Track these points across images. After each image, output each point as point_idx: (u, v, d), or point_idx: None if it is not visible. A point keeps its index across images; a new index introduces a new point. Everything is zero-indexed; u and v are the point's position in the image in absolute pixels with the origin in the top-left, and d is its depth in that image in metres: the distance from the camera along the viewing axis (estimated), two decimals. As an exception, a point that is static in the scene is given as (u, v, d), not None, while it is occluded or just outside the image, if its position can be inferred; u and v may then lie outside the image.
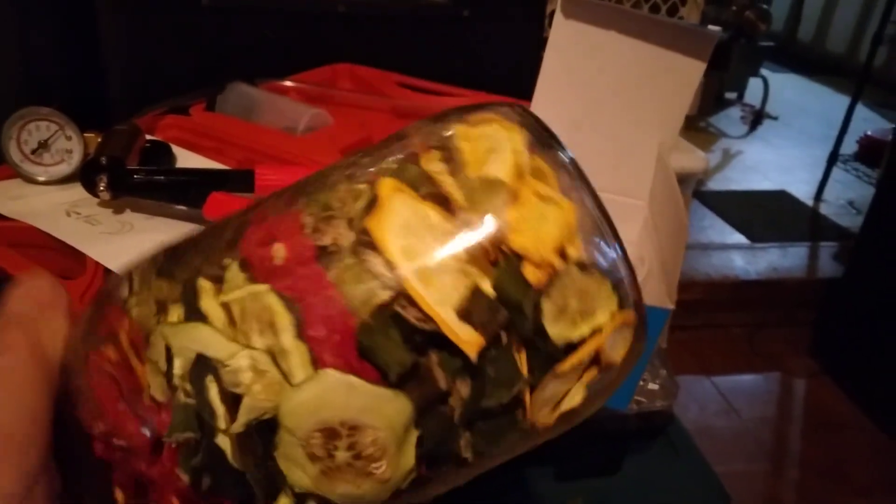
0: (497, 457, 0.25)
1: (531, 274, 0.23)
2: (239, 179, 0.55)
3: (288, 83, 0.79)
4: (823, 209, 2.67)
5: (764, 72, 3.44)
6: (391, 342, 0.22)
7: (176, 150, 0.64)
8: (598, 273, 0.24)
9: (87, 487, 0.23)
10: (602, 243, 0.24)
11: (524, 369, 0.24)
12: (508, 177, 0.24)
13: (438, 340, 0.23)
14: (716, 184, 2.79)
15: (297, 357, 0.22)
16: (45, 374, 0.22)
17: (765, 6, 2.95)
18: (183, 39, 0.82)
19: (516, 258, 0.23)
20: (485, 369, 0.23)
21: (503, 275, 0.23)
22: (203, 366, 0.22)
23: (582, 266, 0.24)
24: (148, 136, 0.63)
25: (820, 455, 1.74)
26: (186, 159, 0.64)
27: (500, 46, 0.92)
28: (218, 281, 0.23)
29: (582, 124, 0.70)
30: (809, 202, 2.71)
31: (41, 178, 0.59)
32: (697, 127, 3.29)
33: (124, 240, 0.51)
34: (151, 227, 0.54)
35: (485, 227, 0.23)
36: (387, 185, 0.24)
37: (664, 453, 0.68)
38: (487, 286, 0.23)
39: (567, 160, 0.25)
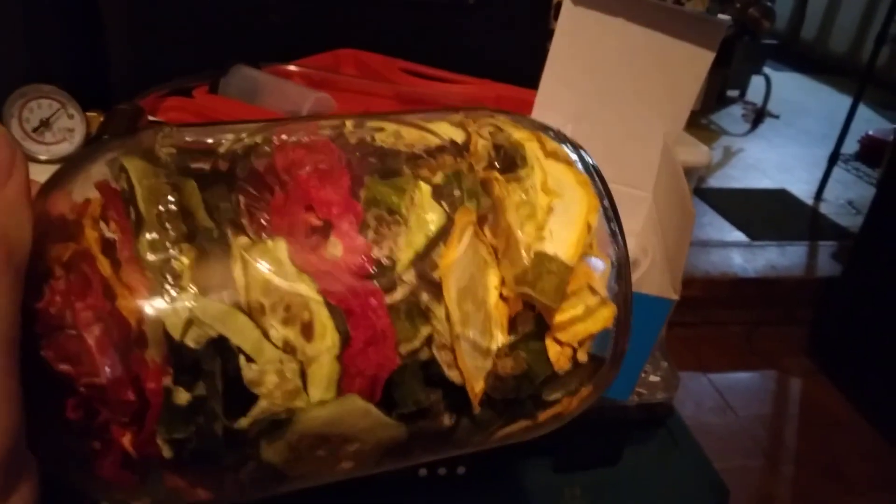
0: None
1: (554, 354, 0.24)
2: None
3: (292, 67, 0.78)
4: (823, 208, 2.67)
5: (766, 70, 3.44)
6: (416, 383, 0.23)
7: (178, 131, 0.63)
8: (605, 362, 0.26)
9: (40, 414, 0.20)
10: (622, 343, 0.26)
11: (502, 416, 0.25)
12: (574, 260, 0.24)
13: (458, 395, 0.23)
14: (716, 181, 2.79)
15: (327, 375, 0.21)
16: (15, 282, 0.17)
17: (769, 4, 2.94)
18: (187, 21, 0.81)
19: (545, 334, 0.24)
20: (484, 411, 0.24)
21: (532, 348, 0.24)
22: (223, 350, 0.20)
23: (595, 359, 0.25)
24: (150, 118, 0.63)
25: (815, 453, 1.74)
26: (189, 141, 0.63)
27: (505, 34, 0.91)
28: (251, 236, 0.21)
29: (588, 113, 0.69)
30: (809, 201, 2.71)
31: (43, 157, 0.59)
32: (699, 124, 3.28)
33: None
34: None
35: (539, 303, 0.24)
36: (466, 221, 0.24)
37: (663, 445, 0.68)
38: (515, 362, 0.24)
39: (624, 256, 0.26)
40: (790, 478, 1.67)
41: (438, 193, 0.24)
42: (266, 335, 0.21)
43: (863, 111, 2.73)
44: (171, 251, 0.20)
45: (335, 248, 0.22)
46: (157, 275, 0.20)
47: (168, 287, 0.20)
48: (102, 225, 0.21)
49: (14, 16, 0.70)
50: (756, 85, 3.48)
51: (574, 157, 0.27)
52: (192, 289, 0.20)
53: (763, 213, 2.58)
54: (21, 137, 0.58)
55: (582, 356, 0.24)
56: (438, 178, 0.24)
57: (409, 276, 0.22)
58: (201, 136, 0.25)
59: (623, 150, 0.70)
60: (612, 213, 0.26)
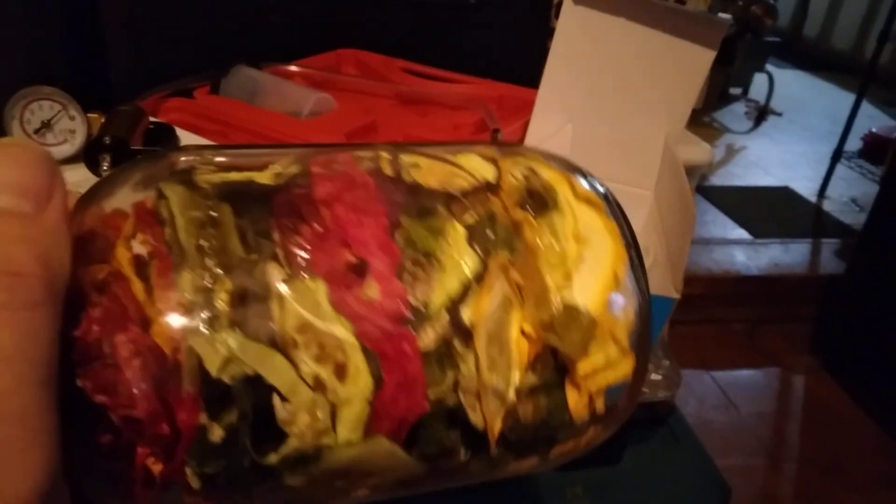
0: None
1: (573, 402, 0.24)
2: (243, 161, 0.55)
3: (293, 68, 0.78)
4: (826, 206, 2.67)
5: (769, 67, 3.43)
6: (443, 429, 0.23)
7: (179, 132, 0.64)
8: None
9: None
10: (636, 395, 0.26)
11: (515, 454, 0.25)
12: (600, 312, 0.24)
13: (476, 429, 0.23)
14: (719, 179, 2.78)
15: (355, 416, 0.21)
16: (56, 316, 0.17)
17: (771, 1, 2.93)
18: (187, 22, 0.81)
19: (565, 383, 0.24)
20: (500, 449, 0.24)
21: (552, 399, 0.24)
22: (258, 388, 0.20)
23: (609, 409, 0.25)
24: (152, 119, 0.63)
25: (818, 451, 1.74)
26: (190, 142, 0.63)
27: (505, 34, 0.91)
28: (289, 272, 0.21)
29: (589, 112, 0.69)
30: (812, 199, 2.71)
31: (44, 158, 0.59)
32: (701, 122, 3.28)
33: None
34: (155, 208, 0.54)
35: (563, 353, 0.24)
36: (498, 265, 0.24)
37: (665, 444, 0.68)
38: (534, 408, 0.24)
39: (647, 308, 0.26)
40: (793, 475, 1.67)
41: (472, 236, 0.24)
42: (298, 371, 0.21)
43: (866, 108, 2.72)
44: (210, 285, 0.20)
45: (372, 290, 0.22)
46: (196, 309, 0.20)
47: (207, 322, 0.20)
48: (136, 245, 0.21)
49: (15, 17, 0.70)
50: (759, 82, 3.48)
51: (603, 201, 0.27)
52: (231, 325, 0.20)
53: (766, 210, 2.57)
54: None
55: (600, 406, 0.25)
56: (472, 220, 0.24)
57: (442, 322, 0.22)
58: (238, 161, 0.25)
59: (624, 148, 0.70)
60: (637, 262, 0.26)
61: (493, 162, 0.27)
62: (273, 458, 0.21)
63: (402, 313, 0.22)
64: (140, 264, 0.20)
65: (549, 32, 0.69)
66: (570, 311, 0.24)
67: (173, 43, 0.81)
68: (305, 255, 0.22)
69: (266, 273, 0.21)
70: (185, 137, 0.64)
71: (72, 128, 0.59)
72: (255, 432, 0.20)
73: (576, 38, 0.67)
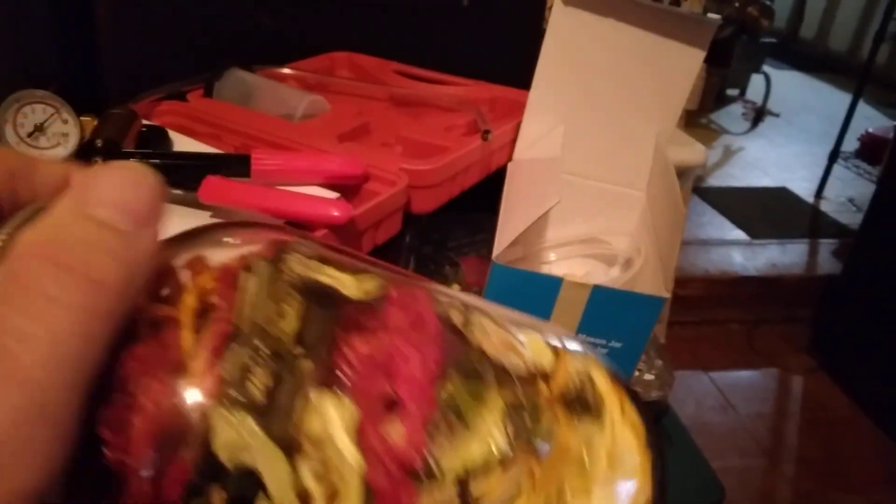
0: None
1: None
2: (235, 164, 0.55)
3: (286, 70, 0.79)
4: (824, 206, 2.67)
5: (766, 68, 3.44)
6: None
7: (172, 135, 0.64)
8: None
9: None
10: None
11: None
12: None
13: None
14: (716, 180, 2.79)
15: None
16: (113, 333, 0.17)
17: (767, 2, 2.93)
18: (180, 25, 0.82)
19: None
20: None
21: None
22: (252, 483, 0.20)
23: None
24: (144, 122, 0.63)
25: (816, 451, 1.74)
26: (183, 145, 0.63)
27: (499, 36, 0.91)
28: (327, 383, 0.21)
29: (580, 113, 0.70)
30: (810, 199, 2.71)
31: (37, 162, 0.59)
32: (699, 123, 3.28)
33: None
34: (146, 210, 0.54)
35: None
36: (524, 452, 0.23)
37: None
38: None
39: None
40: (791, 476, 1.67)
41: (510, 417, 0.23)
42: (293, 479, 0.20)
43: (862, 109, 2.73)
44: (252, 366, 0.20)
45: (396, 431, 0.22)
46: (229, 383, 0.20)
47: (232, 399, 0.20)
48: (204, 300, 0.21)
49: (7, 20, 0.70)
50: (756, 84, 3.49)
51: (644, 428, 0.26)
52: (253, 412, 0.20)
53: (763, 211, 2.58)
54: (15, 143, 0.58)
55: None
56: (515, 401, 0.24)
57: (448, 489, 0.21)
58: (331, 258, 0.25)
59: (615, 149, 0.71)
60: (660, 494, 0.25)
61: (555, 352, 0.26)
62: None
63: (415, 464, 0.21)
64: (200, 318, 0.20)
65: (541, 34, 0.69)
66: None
67: (166, 46, 0.81)
68: (349, 372, 0.21)
69: (305, 375, 0.21)
70: (178, 140, 0.64)
71: (64, 131, 0.59)
72: None
73: (567, 39, 0.67)
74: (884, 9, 2.52)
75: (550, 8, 0.69)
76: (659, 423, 0.69)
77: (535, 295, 0.54)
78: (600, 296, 0.53)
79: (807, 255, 2.33)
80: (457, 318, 0.25)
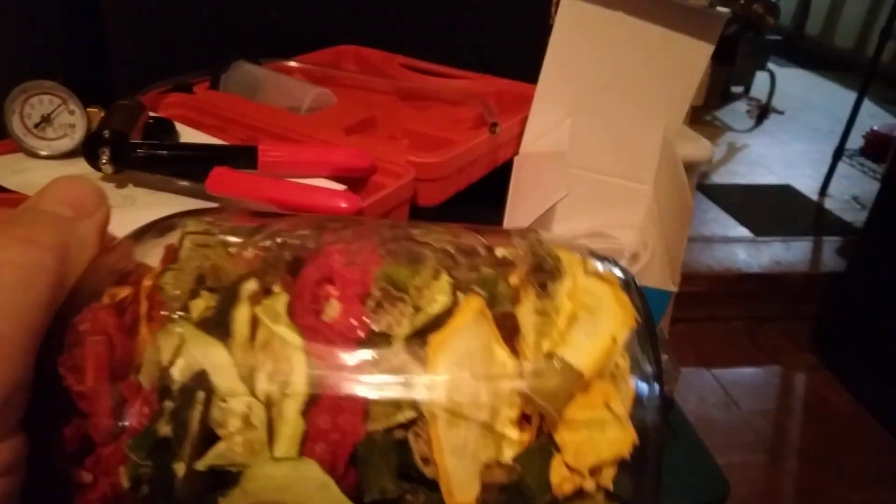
0: None
1: (557, 476, 0.21)
2: (242, 155, 0.55)
3: (292, 63, 0.78)
4: (828, 204, 2.66)
5: (771, 66, 3.43)
6: (385, 466, 0.21)
7: (179, 127, 0.64)
8: None
9: (46, 437, 0.21)
10: (645, 482, 0.23)
11: None
12: (590, 371, 0.22)
13: (433, 484, 0.21)
14: (720, 177, 2.78)
15: (290, 431, 0.20)
16: (57, 288, 0.21)
17: (773, 0, 2.92)
18: (188, 17, 0.82)
19: (549, 448, 0.22)
20: None
21: (531, 462, 0.21)
22: (202, 385, 0.21)
23: (610, 496, 0.22)
24: (151, 113, 0.63)
25: (818, 448, 1.74)
26: (190, 136, 0.63)
27: (506, 29, 0.91)
28: (263, 295, 0.22)
29: (587, 107, 0.70)
30: (814, 197, 2.71)
31: (44, 153, 0.59)
32: (703, 120, 3.28)
33: (127, 213, 0.51)
34: (154, 201, 0.54)
35: (540, 405, 0.22)
36: (471, 306, 0.23)
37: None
38: (508, 457, 0.21)
39: (656, 385, 0.23)
40: (793, 472, 1.67)
41: (457, 286, 0.23)
42: (238, 372, 0.21)
43: (867, 107, 2.72)
44: (189, 287, 0.22)
45: (333, 309, 0.22)
46: (170, 308, 0.22)
47: (174, 316, 0.22)
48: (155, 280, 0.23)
49: (15, 12, 0.70)
50: (761, 81, 3.48)
51: (620, 281, 0.25)
52: (193, 321, 0.21)
53: (767, 208, 2.57)
54: (22, 133, 0.58)
55: (588, 484, 0.22)
56: (463, 275, 0.24)
57: (398, 351, 0.21)
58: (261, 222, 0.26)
59: (623, 143, 0.71)
60: (647, 338, 0.24)
61: (511, 245, 0.26)
62: (201, 465, 0.20)
63: (357, 334, 0.21)
64: (153, 295, 0.22)
65: (548, 28, 0.69)
66: (549, 358, 0.22)
67: (173, 38, 0.81)
68: (282, 277, 0.23)
69: (241, 284, 0.22)
70: (185, 132, 0.64)
71: (71, 122, 0.59)
72: (196, 438, 0.20)
73: (574, 32, 0.67)
74: (889, 6, 2.51)
75: (558, 1, 0.68)
76: (664, 417, 0.69)
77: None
78: (607, 289, 0.53)
79: (811, 252, 2.33)
80: (398, 231, 0.26)
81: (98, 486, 0.21)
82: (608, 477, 0.22)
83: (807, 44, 4.54)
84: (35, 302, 0.20)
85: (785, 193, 2.73)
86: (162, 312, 0.21)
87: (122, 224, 0.49)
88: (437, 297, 0.22)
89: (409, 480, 0.21)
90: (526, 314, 0.23)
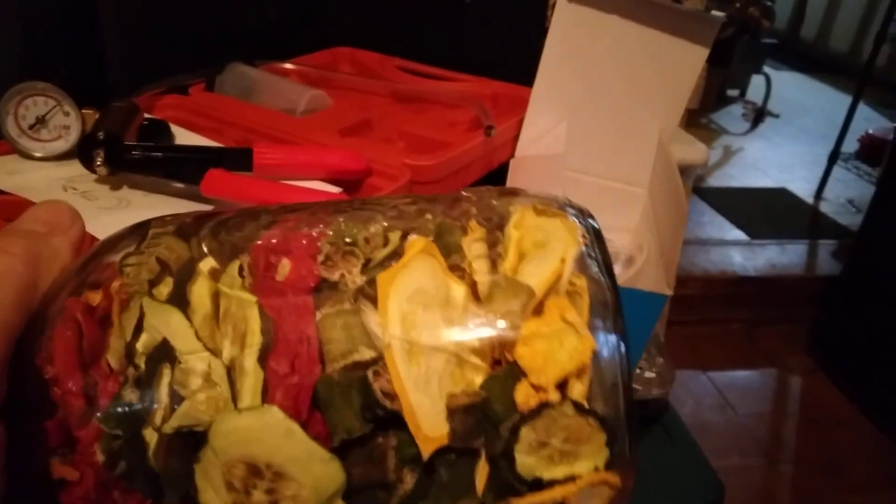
0: None
1: (522, 395, 0.21)
2: (237, 157, 0.55)
3: (288, 65, 0.78)
4: (823, 207, 2.67)
5: (766, 69, 3.44)
6: (347, 406, 0.21)
7: (174, 128, 0.64)
8: (595, 422, 0.22)
9: (28, 434, 0.22)
10: (613, 395, 0.23)
11: (480, 487, 0.22)
12: (541, 289, 0.22)
13: (403, 432, 0.21)
14: (716, 180, 2.79)
15: (250, 381, 0.21)
16: (28, 290, 0.22)
17: (768, 3, 2.93)
18: (183, 19, 0.81)
19: (514, 372, 0.22)
20: (438, 471, 0.21)
21: (494, 384, 0.22)
22: (165, 353, 0.21)
23: (580, 408, 0.22)
24: (146, 115, 0.63)
25: (815, 451, 1.74)
26: (185, 138, 0.63)
27: (501, 32, 0.91)
28: (219, 272, 0.23)
29: (583, 110, 0.70)
30: (809, 200, 2.71)
31: (38, 154, 0.59)
32: (699, 123, 3.28)
33: (121, 215, 0.51)
34: (149, 203, 0.54)
35: (495, 327, 0.22)
36: (417, 244, 0.23)
37: (659, 442, 0.68)
38: (473, 387, 0.21)
39: (610, 294, 0.23)
40: (790, 476, 1.67)
41: (406, 233, 0.24)
42: (210, 346, 0.21)
43: (863, 110, 2.73)
44: (146, 263, 0.23)
45: (284, 268, 0.23)
46: (131, 288, 0.22)
47: (135, 295, 0.22)
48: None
49: (10, 12, 0.70)
50: (756, 84, 3.49)
51: (569, 208, 0.25)
52: (150, 295, 0.22)
53: (763, 211, 2.58)
54: (17, 135, 0.58)
55: (553, 395, 0.22)
56: (412, 224, 0.24)
57: (349, 294, 0.22)
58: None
59: (618, 146, 0.71)
60: (601, 257, 0.24)
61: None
62: (168, 428, 0.20)
63: (307, 284, 0.22)
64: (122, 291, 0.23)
65: (543, 31, 0.69)
66: (500, 279, 0.22)
67: (169, 39, 0.81)
68: (233, 244, 0.24)
69: (197, 260, 0.23)
70: (180, 134, 0.64)
71: (66, 123, 0.59)
72: (156, 398, 0.21)
73: (570, 35, 0.67)
74: (884, 10, 2.52)
75: (553, 4, 0.68)
76: (659, 421, 0.69)
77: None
78: (602, 292, 0.53)
79: (806, 255, 2.33)
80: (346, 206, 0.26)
81: (82, 482, 0.21)
82: (578, 392, 0.22)
83: (802, 47, 4.56)
84: (3, 301, 0.21)
85: (780, 196, 2.73)
86: (124, 296, 0.22)
87: (118, 226, 0.49)
88: (387, 244, 0.23)
89: (378, 419, 0.21)
90: (475, 249, 0.24)
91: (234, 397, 0.21)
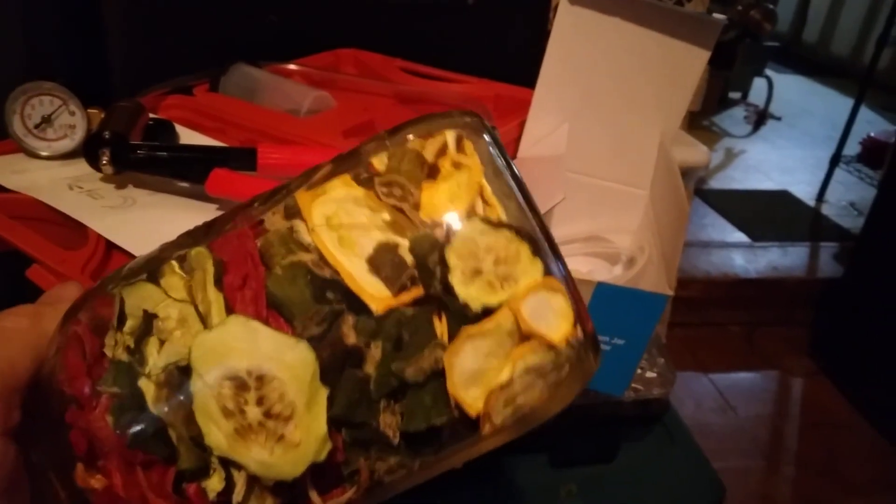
0: (432, 452, 0.24)
1: (438, 232, 0.24)
2: (241, 157, 0.56)
3: (292, 66, 0.79)
4: (825, 210, 2.67)
5: (768, 72, 3.44)
6: (300, 294, 0.23)
7: (179, 128, 0.64)
8: (511, 233, 0.24)
9: (50, 448, 0.24)
10: (519, 208, 0.25)
11: (440, 333, 0.23)
12: (431, 155, 0.25)
13: (355, 303, 0.23)
14: (718, 182, 2.79)
15: (215, 305, 0.23)
16: (36, 342, 0.26)
17: (770, 6, 2.93)
18: (187, 19, 0.82)
19: (424, 221, 0.24)
20: (399, 331, 0.23)
21: (415, 236, 0.24)
22: (146, 322, 0.24)
23: (489, 222, 0.24)
24: (151, 115, 0.63)
25: (815, 453, 1.74)
26: (189, 138, 0.64)
27: (503, 34, 0.92)
28: (183, 259, 0.25)
29: (584, 112, 0.70)
30: (811, 202, 2.71)
31: (44, 153, 0.59)
32: (701, 126, 3.28)
33: (126, 214, 0.51)
34: (153, 202, 0.54)
35: (401, 194, 0.24)
36: (327, 168, 0.26)
37: (659, 442, 0.69)
38: (399, 242, 0.24)
39: (491, 140, 0.26)
40: (790, 478, 1.67)
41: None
42: (179, 297, 0.24)
43: (864, 113, 2.73)
44: (131, 276, 0.26)
45: (227, 223, 0.26)
46: (112, 289, 0.25)
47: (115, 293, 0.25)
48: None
49: (15, 13, 0.71)
50: (758, 87, 3.49)
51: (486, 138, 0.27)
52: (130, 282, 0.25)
53: (764, 214, 2.58)
54: (23, 134, 0.59)
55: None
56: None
57: (279, 213, 0.25)
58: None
59: (620, 148, 0.71)
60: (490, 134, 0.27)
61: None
62: (156, 369, 0.23)
63: (249, 226, 0.25)
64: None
65: (545, 33, 0.69)
66: (407, 157, 0.25)
67: (173, 40, 0.81)
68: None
69: (164, 249, 0.26)
70: (184, 134, 0.64)
71: (72, 123, 0.60)
72: (144, 354, 0.23)
73: (572, 38, 0.67)
74: (886, 14, 2.52)
75: (555, 7, 0.69)
76: (660, 421, 0.69)
77: (538, 291, 0.54)
78: (604, 293, 0.53)
79: (808, 258, 2.33)
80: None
81: (110, 482, 0.23)
82: (484, 210, 0.25)
83: (804, 50, 4.56)
84: (13, 350, 0.25)
85: (782, 199, 2.74)
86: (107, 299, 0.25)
87: (123, 224, 0.50)
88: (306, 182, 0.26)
89: (331, 301, 0.23)
90: (374, 159, 0.26)
91: (207, 325, 0.23)
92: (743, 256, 2.28)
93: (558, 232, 0.73)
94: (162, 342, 0.23)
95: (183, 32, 0.82)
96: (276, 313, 0.23)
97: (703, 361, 2.00)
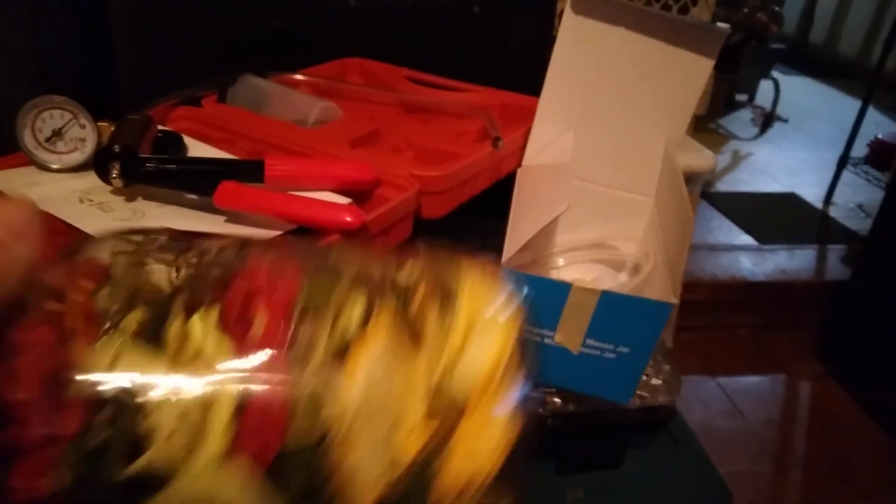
0: None
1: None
2: (249, 169, 0.56)
3: (298, 76, 0.80)
4: (832, 212, 2.66)
5: (775, 74, 3.43)
6: (303, 468, 0.22)
7: (187, 140, 0.65)
8: None
9: None
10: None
11: None
12: (476, 392, 0.24)
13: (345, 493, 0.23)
14: (725, 185, 2.78)
15: (218, 434, 0.22)
16: None
17: (777, 8, 2.93)
18: (195, 32, 0.83)
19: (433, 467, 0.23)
20: None
21: (416, 476, 0.23)
22: (134, 395, 0.22)
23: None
24: (160, 127, 0.64)
25: (824, 457, 1.73)
26: (198, 150, 0.64)
27: (509, 42, 0.92)
28: (194, 308, 0.23)
29: (589, 120, 0.70)
30: (818, 205, 2.71)
31: (55, 166, 0.60)
32: (707, 128, 3.28)
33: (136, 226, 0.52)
34: (163, 214, 0.55)
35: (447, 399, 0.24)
36: (386, 310, 0.24)
37: (666, 448, 0.69)
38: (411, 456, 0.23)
39: (529, 385, 0.25)
40: (799, 481, 1.67)
41: (371, 299, 0.25)
42: (181, 395, 0.22)
43: (872, 115, 2.72)
44: (122, 305, 0.23)
45: (261, 321, 0.24)
46: (102, 323, 0.23)
47: (108, 331, 0.22)
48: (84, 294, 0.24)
49: (25, 28, 0.72)
50: (765, 89, 3.48)
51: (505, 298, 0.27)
52: (128, 334, 0.23)
53: (772, 216, 2.57)
54: (34, 147, 0.59)
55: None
56: (375, 289, 0.26)
57: (319, 362, 0.23)
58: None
59: (625, 156, 0.71)
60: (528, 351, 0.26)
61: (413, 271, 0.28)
62: (132, 470, 0.21)
63: (283, 343, 0.23)
64: (87, 309, 0.23)
65: (550, 41, 0.70)
66: (451, 388, 0.24)
67: (181, 52, 0.82)
68: (212, 294, 0.24)
69: (174, 302, 0.24)
70: (193, 145, 0.65)
71: (82, 136, 0.60)
72: (121, 441, 0.21)
73: (576, 47, 0.68)
74: (894, 14, 2.51)
75: (560, 15, 0.69)
76: (666, 427, 0.70)
77: (544, 300, 0.54)
78: (609, 301, 0.54)
79: (815, 260, 2.33)
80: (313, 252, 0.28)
81: (25, 491, 0.22)
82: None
83: (811, 52, 4.55)
84: None
85: (789, 202, 2.73)
86: (96, 326, 0.23)
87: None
88: (354, 311, 0.24)
89: (324, 478, 0.22)
90: (431, 323, 0.25)
91: (199, 445, 0.22)
92: (750, 259, 2.27)
93: (563, 239, 0.73)
94: (142, 440, 0.22)
95: (191, 44, 0.83)
96: (278, 470, 0.22)
97: (710, 365, 2.00)
